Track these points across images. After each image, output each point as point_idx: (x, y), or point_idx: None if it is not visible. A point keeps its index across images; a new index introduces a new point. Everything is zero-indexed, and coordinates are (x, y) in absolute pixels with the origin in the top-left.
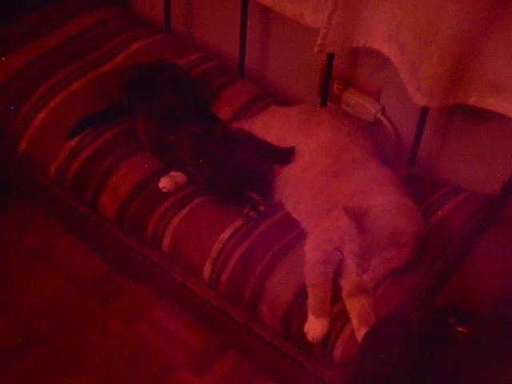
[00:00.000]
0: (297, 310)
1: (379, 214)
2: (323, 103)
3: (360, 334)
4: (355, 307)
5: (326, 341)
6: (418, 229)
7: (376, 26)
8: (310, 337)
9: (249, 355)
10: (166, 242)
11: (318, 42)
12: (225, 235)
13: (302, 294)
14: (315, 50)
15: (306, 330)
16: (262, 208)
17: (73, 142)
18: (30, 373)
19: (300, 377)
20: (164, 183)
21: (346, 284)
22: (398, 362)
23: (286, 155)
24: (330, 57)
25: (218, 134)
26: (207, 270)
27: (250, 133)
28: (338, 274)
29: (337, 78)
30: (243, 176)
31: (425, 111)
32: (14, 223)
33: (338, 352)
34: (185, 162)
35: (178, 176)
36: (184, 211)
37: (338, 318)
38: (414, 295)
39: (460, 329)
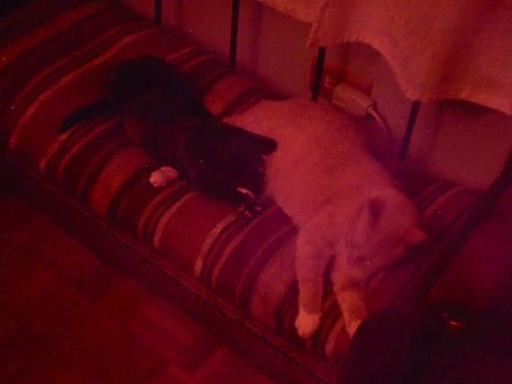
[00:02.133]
0: (289, 304)
1: (392, 210)
2: (314, 98)
3: (351, 328)
4: (347, 301)
5: (318, 336)
6: (425, 235)
7: (368, 20)
8: (300, 332)
9: (240, 351)
10: (157, 237)
11: (310, 36)
12: (216, 230)
13: (293, 288)
14: (307, 43)
15: (296, 325)
16: (258, 208)
17: (63, 136)
18: (21, 369)
19: (292, 372)
20: (155, 178)
21: (338, 278)
22: (391, 358)
23: (268, 145)
24: (322, 51)
25: (210, 129)
26: (198, 265)
27: (237, 126)
28: (329, 268)
29: (328, 72)
30: (235, 171)
31: (416, 106)
32: (3, 218)
33: (329, 347)
34: (177, 158)
35: (169, 171)
36: (175, 206)
37: (330, 313)
38: (406, 290)
39: (453, 323)
